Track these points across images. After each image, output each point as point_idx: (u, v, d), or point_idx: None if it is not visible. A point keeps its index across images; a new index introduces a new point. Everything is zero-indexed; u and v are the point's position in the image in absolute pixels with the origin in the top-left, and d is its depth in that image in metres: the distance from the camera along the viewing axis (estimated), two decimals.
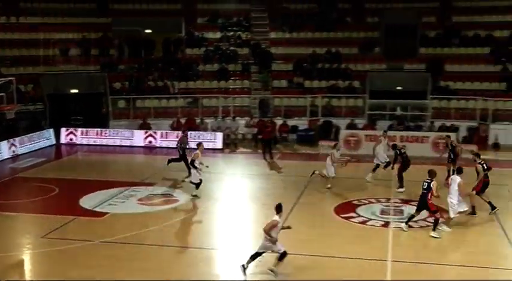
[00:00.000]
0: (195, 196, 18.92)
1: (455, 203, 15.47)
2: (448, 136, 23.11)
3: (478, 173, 17.10)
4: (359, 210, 17.56)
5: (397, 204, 18.23)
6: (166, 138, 29.02)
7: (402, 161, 20.10)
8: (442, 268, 13.20)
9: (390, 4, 36.23)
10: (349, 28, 35.96)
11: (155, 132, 29.34)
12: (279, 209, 12.62)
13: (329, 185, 20.14)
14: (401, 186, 19.85)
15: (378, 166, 21.51)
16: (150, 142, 29.20)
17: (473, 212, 16.86)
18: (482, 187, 17.09)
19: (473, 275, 12.71)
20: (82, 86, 32.61)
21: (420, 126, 29.12)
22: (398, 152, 20.35)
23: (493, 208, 17.11)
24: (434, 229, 15.33)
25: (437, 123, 29.09)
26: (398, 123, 29.24)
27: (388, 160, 21.39)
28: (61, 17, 35.05)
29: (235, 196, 19.65)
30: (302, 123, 30.77)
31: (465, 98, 30.57)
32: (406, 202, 18.43)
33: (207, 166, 19.26)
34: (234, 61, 35.12)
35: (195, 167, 18.73)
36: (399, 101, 30.34)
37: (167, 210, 17.86)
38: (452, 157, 21.20)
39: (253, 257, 12.65)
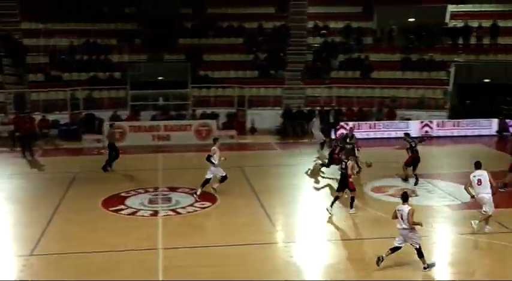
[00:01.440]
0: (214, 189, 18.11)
1: (488, 198, 14.49)
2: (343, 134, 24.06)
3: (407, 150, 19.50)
4: (127, 201, 17.50)
5: (164, 192, 18.53)
6: None
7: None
8: (210, 249, 13.73)
9: None
10: (107, 19, 35.35)
11: None
12: (405, 197, 12.51)
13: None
14: None
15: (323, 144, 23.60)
16: None
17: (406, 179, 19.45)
18: (411, 161, 19.32)
19: (238, 253, 13.49)
20: None
21: (183, 115, 29.91)
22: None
23: (417, 182, 19.24)
24: (351, 207, 16.33)
25: (199, 111, 30.16)
26: (162, 113, 29.69)
27: (324, 138, 23.45)
28: None
29: None
30: (63, 117, 29.60)
31: (223, 86, 32.10)
32: (173, 189, 18.83)
33: (225, 159, 18.05)
34: None
35: (212, 163, 17.63)
36: (161, 91, 30.82)
37: None
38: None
39: (394, 250, 12.45)
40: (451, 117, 29.91)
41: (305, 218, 16.34)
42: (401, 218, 12.28)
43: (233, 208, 16.99)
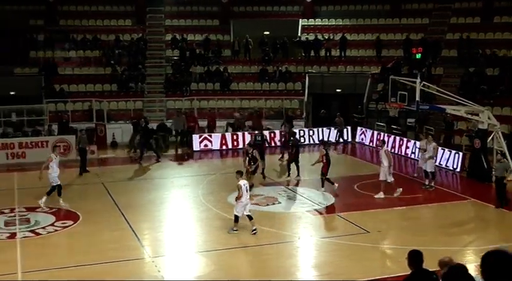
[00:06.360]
0: None
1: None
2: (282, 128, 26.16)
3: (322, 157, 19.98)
4: None
5: (22, 213, 17.56)
6: None
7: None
8: (74, 270, 13.21)
9: None
10: None
11: None
12: (241, 173, 15.94)
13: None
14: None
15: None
16: None
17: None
18: (327, 169, 19.87)
19: (104, 271, 13.13)
20: None
21: (38, 131, 28.47)
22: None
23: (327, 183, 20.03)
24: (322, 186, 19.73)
25: (56, 126, 28.82)
26: (16, 130, 28.11)
27: None
28: None
29: None
30: None
31: (80, 100, 31.12)
32: (31, 209, 17.88)
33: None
34: None
35: None
36: (14, 106, 29.12)
37: None
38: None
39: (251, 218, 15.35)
40: (307, 126, 31.19)
41: (172, 231, 16.28)
42: (247, 191, 15.33)
43: (97, 225, 16.51)
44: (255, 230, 15.19)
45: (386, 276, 12.74)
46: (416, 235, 15.66)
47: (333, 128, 29.82)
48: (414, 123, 28.49)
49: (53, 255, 14.26)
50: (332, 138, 29.53)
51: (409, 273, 8.01)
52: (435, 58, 33.14)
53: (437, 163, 22.11)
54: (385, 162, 18.91)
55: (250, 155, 19.76)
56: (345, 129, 29.84)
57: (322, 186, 19.89)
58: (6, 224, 16.58)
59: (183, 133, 28.59)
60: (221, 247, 14.73)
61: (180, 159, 26.62)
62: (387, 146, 26.30)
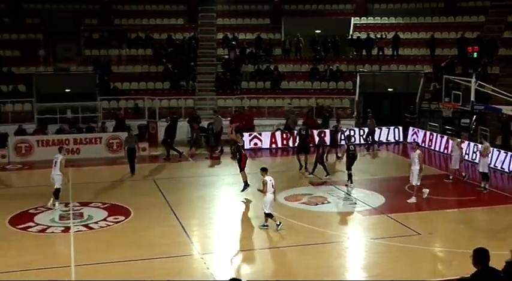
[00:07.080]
0: None
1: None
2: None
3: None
4: (37, 218, 16.89)
5: (76, 208, 18.01)
6: None
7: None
8: (125, 264, 13.44)
9: (50, 5, 35.58)
10: (8, 30, 34.13)
11: None
12: (266, 169, 16.07)
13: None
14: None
15: None
16: None
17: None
18: (349, 162, 20.31)
19: (154, 266, 13.34)
20: None
21: (92, 128, 29.13)
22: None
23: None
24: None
25: (109, 123, 29.43)
26: (71, 126, 28.84)
27: None
28: None
29: None
30: None
31: (133, 98, 31.66)
32: (85, 204, 18.33)
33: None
34: None
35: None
36: (69, 103, 29.93)
37: None
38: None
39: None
40: (358, 125, 30.87)
41: (221, 229, 16.36)
42: (273, 187, 15.53)
43: (148, 221, 16.75)
44: (266, 226, 15.69)
45: (436, 279, 12.49)
46: (468, 238, 15.28)
47: (374, 128, 29.20)
48: (472, 123, 27.74)
49: (105, 249, 14.54)
50: (365, 139, 29.16)
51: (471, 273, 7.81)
52: (491, 57, 32.29)
53: (492, 165, 21.58)
54: (416, 166, 18.43)
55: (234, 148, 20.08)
56: (376, 131, 29.23)
57: (351, 182, 20.22)
58: (61, 218, 17.04)
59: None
60: (269, 245, 14.76)
61: (211, 157, 26.61)
62: (435, 147, 25.99)
